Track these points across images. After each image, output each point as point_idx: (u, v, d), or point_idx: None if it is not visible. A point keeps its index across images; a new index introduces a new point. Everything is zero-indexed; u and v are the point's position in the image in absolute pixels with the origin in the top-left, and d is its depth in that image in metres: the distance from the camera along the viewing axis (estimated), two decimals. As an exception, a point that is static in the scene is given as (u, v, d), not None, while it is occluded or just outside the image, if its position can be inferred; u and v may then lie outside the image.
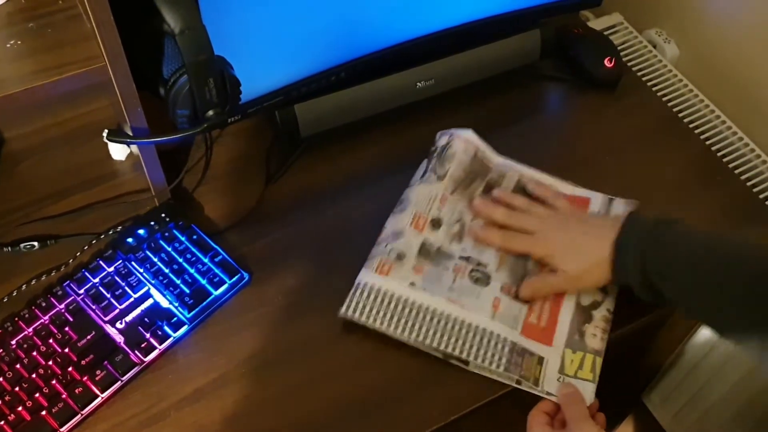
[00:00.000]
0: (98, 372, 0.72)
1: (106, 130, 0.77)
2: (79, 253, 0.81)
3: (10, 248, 0.81)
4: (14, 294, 0.78)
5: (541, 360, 0.76)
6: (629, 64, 1.07)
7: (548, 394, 0.74)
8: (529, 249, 0.81)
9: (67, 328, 0.74)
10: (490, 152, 0.91)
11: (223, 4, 0.72)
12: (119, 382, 0.72)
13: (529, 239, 0.81)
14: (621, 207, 0.87)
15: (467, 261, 0.82)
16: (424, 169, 0.88)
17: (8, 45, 0.68)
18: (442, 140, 0.91)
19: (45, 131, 0.92)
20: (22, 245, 0.81)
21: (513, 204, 0.84)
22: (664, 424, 1.32)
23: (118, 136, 0.76)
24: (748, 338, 0.75)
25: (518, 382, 0.74)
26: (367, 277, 0.79)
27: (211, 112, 0.72)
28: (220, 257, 0.80)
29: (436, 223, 0.84)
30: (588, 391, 0.74)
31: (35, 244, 0.81)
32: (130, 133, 0.75)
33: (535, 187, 0.87)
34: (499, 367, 0.75)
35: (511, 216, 0.83)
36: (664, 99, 1.03)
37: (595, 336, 0.78)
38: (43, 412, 0.69)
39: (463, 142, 0.90)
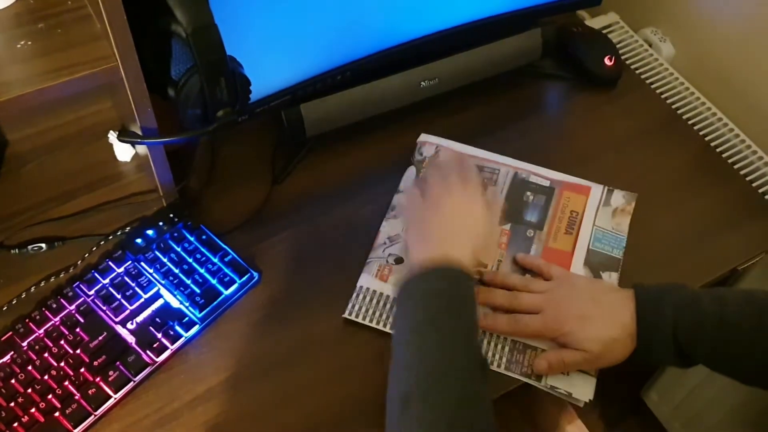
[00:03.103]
0: (111, 373, 0.72)
1: (115, 131, 0.77)
2: (87, 255, 0.81)
3: (17, 250, 0.80)
4: (23, 296, 0.78)
5: None
6: (626, 63, 1.08)
7: (552, 388, 0.75)
8: (541, 330, 0.76)
9: (78, 329, 0.74)
10: (480, 152, 0.93)
11: (231, 4, 0.73)
12: (132, 382, 0.72)
13: (538, 320, 0.75)
14: (620, 198, 0.89)
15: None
16: (413, 178, 0.90)
17: (18, 45, 0.67)
18: (428, 150, 0.92)
19: (48, 133, 0.91)
20: (29, 247, 0.81)
21: (508, 284, 0.80)
22: (663, 420, 1.33)
23: (128, 136, 0.76)
24: None
25: (526, 375, 0.75)
26: (367, 282, 0.80)
27: (221, 112, 0.72)
28: (229, 257, 0.80)
29: None
30: (590, 386, 0.75)
31: (43, 245, 0.81)
32: (140, 133, 0.75)
33: (524, 260, 0.83)
34: (500, 366, 0.76)
35: (513, 298, 0.78)
36: (663, 97, 1.04)
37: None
38: (57, 414, 0.69)
39: (450, 150, 0.92)
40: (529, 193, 0.89)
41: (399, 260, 0.82)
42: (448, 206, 0.74)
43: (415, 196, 0.77)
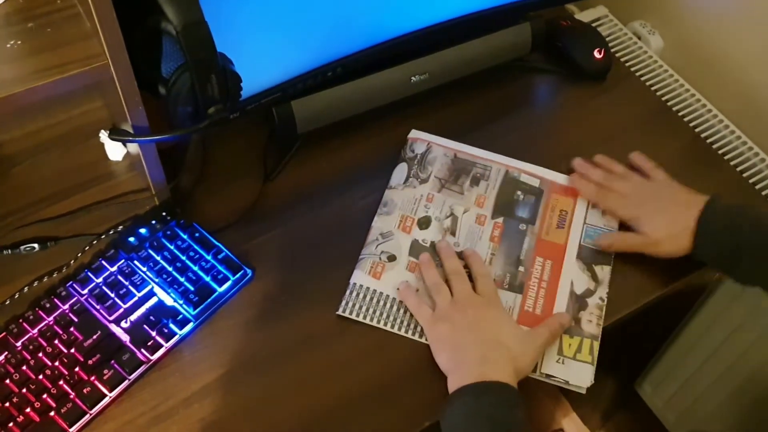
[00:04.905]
0: (105, 371, 0.72)
1: (107, 130, 0.77)
2: (80, 254, 0.81)
3: (10, 250, 0.80)
4: (16, 296, 0.77)
5: None
6: (616, 56, 1.09)
7: (547, 377, 0.75)
8: (617, 208, 0.86)
9: (72, 329, 0.74)
10: (471, 149, 0.93)
11: (221, 1, 0.72)
12: (127, 380, 0.72)
13: (620, 200, 0.86)
14: None
15: (460, 255, 0.83)
16: (405, 174, 0.90)
17: (8, 45, 0.67)
18: (419, 147, 0.93)
19: (39, 134, 0.91)
20: (22, 247, 0.81)
21: (612, 169, 0.90)
22: (657, 412, 1.34)
23: (119, 135, 0.76)
24: None
25: None
26: (360, 279, 0.81)
27: (212, 109, 0.72)
28: (223, 254, 0.80)
29: (424, 222, 0.86)
30: (587, 372, 0.76)
31: (35, 245, 0.81)
32: (131, 132, 0.75)
33: (636, 157, 0.91)
34: None
35: (609, 177, 0.88)
36: (653, 89, 1.05)
37: (591, 321, 0.80)
38: (52, 413, 0.69)
39: (442, 147, 0.93)
40: (519, 192, 0.90)
41: (392, 257, 0.82)
42: (472, 322, 0.76)
43: (424, 310, 0.78)
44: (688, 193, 0.85)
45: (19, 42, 0.67)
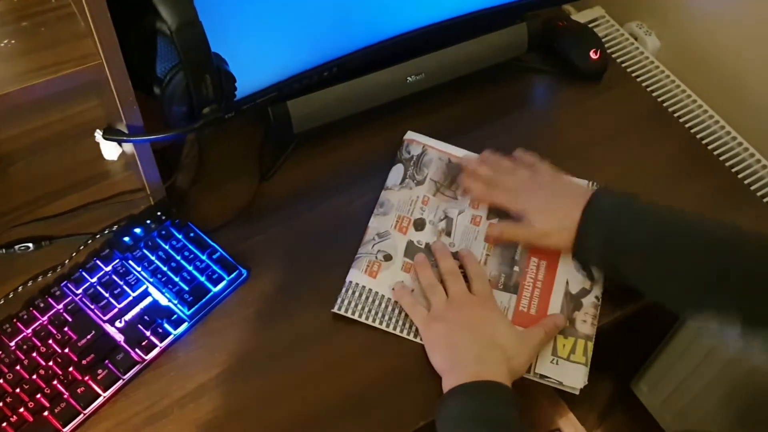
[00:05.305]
0: (100, 371, 0.72)
1: (101, 130, 0.76)
2: (74, 254, 0.81)
3: (4, 250, 0.80)
4: (11, 296, 0.77)
5: None
6: (612, 56, 1.09)
7: (541, 377, 0.75)
8: (506, 203, 0.85)
9: (66, 329, 0.74)
10: (465, 153, 0.93)
11: (215, 1, 0.72)
12: (121, 380, 0.72)
13: (508, 194, 0.85)
14: None
15: (455, 256, 0.83)
16: (401, 176, 0.90)
17: (2, 44, 0.67)
18: (415, 149, 0.93)
19: (34, 133, 0.91)
20: (16, 247, 0.80)
21: (500, 165, 0.89)
22: (653, 411, 1.34)
23: (114, 134, 0.76)
24: (698, 313, 0.79)
25: None
26: (356, 277, 0.81)
27: (207, 109, 0.72)
28: (218, 254, 0.80)
29: (419, 224, 0.86)
30: (581, 373, 0.76)
31: (30, 245, 0.81)
32: (126, 132, 0.75)
33: (521, 153, 0.90)
34: None
35: (496, 173, 0.88)
36: (649, 90, 1.05)
37: (585, 322, 0.80)
38: (46, 413, 0.69)
39: (437, 150, 0.93)
40: None
41: (388, 257, 0.82)
42: (468, 322, 0.76)
43: (419, 310, 0.78)
44: (575, 186, 0.86)
45: (13, 41, 0.67)
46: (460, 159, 0.91)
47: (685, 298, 0.76)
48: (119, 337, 0.74)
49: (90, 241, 0.82)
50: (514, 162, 0.89)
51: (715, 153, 0.98)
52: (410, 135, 0.94)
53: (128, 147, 0.83)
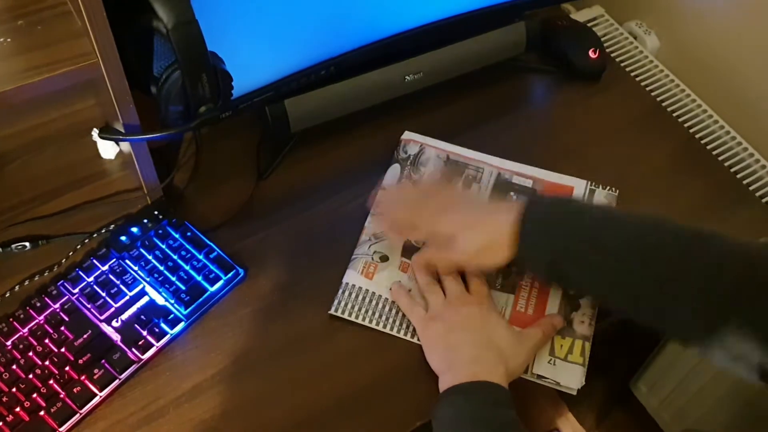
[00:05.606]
0: (96, 371, 0.72)
1: (98, 129, 0.76)
2: (71, 253, 0.81)
3: (1, 249, 0.80)
4: (7, 295, 0.77)
5: None
6: (611, 56, 1.09)
7: (539, 377, 0.75)
8: (428, 236, 0.81)
9: (62, 328, 0.74)
10: (463, 151, 0.93)
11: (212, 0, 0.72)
12: (117, 380, 0.72)
13: (427, 227, 0.80)
14: (601, 198, 0.90)
15: None
16: (398, 175, 0.90)
17: (-3, 43, 0.67)
18: (412, 148, 0.92)
19: (31, 132, 0.91)
20: (13, 246, 0.80)
21: (409, 200, 0.85)
22: (652, 411, 1.34)
23: (110, 133, 0.76)
24: (644, 315, 0.73)
25: None
26: (353, 278, 0.80)
27: (203, 108, 0.72)
28: (215, 254, 0.80)
29: None
30: (579, 374, 0.76)
31: (27, 244, 0.81)
32: (122, 131, 0.74)
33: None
34: None
35: (410, 211, 0.82)
36: (648, 89, 1.05)
37: (583, 323, 0.79)
38: (42, 413, 0.69)
39: (434, 149, 0.93)
40: (512, 194, 0.89)
41: (384, 258, 0.82)
42: (465, 322, 0.75)
43: (417, 310, 0.78)
44: (493, 201, 0.84)
45: (9, 39, 0.67)
46: (373, 203, 0.87)
47: (635, 301, 0.71)
48: (116, 337, 0.74)
49: (87, 241, 0.82)
50: (419, 187, 0.87)
51: (714, 152, 0.98)
52: (407, 135, 0.94)
53: (125, 146, 0.83)
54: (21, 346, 0.72)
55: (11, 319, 0.74)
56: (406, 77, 0.93)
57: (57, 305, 0.75)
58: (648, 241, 0.70)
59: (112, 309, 0.76)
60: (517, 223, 0.72)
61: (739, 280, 0.65)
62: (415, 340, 0.77)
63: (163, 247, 0.80)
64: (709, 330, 0.66)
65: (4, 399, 0.69)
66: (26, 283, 0.78)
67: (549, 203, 0.76)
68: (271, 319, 0.79)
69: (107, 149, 0.88)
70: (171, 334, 0.75)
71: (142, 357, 0.74)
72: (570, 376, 0.75)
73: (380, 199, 0.87)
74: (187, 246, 0.80)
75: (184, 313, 0.76)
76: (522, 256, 0.73)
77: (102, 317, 0.75)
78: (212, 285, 0.78)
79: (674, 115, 1.02)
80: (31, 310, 0.75)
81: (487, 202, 0.84)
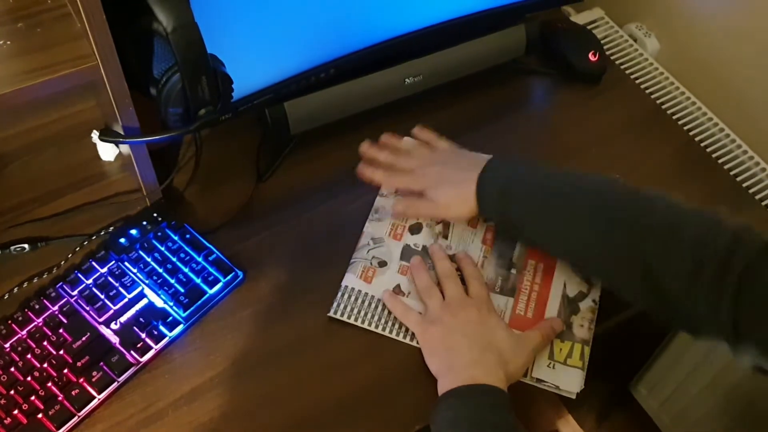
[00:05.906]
0: (94, 373, 0.71)
1: (97, 131, 0.76)
2: (70, 255, 0.81)
3: (0, 251, 0.80)
4: (6, 297, 0.77)
5: None
6: (611, 58, 1.09)
7: (538, 381, 0.75)
8: (407, 184, 0.86)
9: (61, 330, 0.74)
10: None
11: (212, 2, 0.72)
12: (116, 382, 0.72)
13: (408, 176, 0.86)
14: None
15: (452, 258, 0.83)
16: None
17: (-3, 45, 0.67)
18: None
19: (31, 133, 0.91)
20: (12, 248, 0.80)
21: (398, 147, 0.90)
22: (652, 414, 1.34)
23: (109, 135, 0.75)
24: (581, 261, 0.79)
25: None
26: (352, 282, 0.81)
27: (203, 111, 0.72)
28: (214, 256, 0.80)
29: (416, 227, 0.86)
30: (578, 378, 0.76)
31: (26, 246, 0.81)
32: (122, 133, 0.74)
33: (419, 132, 0.92)
34: None
35: (395, 157, 0.88)
36: (647, 92, 1.05)
37: (582, 326, 0.79)
38: (40, 415, 0.69)
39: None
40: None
41: (382, 263, 0.82)
42: (464, 325, 0.75)
43: (412, 316, 0.78)
44: (473, 156, 0.85)
45: (8, 42, 0.67)
46: (361, 146, 0.91)
47: (572, 247, 0.76)
48: (114, 339, 0.74)
49: (86, 243, 0.82)
50: (413, 143, 0.90)
51: (714, 156, 0.98)
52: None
53: (125, 148, 0.83)
54: (19, 349, 0.72)
55: (10, 321, 0.74)
56: (406, 80, 0.93)
57: (56, 307, 0.75)
58: (601, 196, 0.74)
59: (111, 311, 0.76)
60: (477, 181, 0.79)
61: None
62: (414, 343, 0.77)
63: (162, 249, 0.80)
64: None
65: (2, 401, 0.69)
66: (25, 285, 0.78)
67: (510, 163, 0.80)
68: (270, 321, 0.79)
69: (107, 151, 0.88)
70: (170, 337, 0.75)
71: (141, 359, 0.73)
72: (569, 379, 0.75)
73: (378, 205, 0.87)
74: (186, 248, 0.80)
75: (183, 315, 0.76)
76: (481, 210, 0.80)
77: (101, 319, 0.75)
78: (211, 287, 0.78)
79: (674, 117, 1.02)
80: (29, 312, 0.75)
81: (458, 158, 0.86)
